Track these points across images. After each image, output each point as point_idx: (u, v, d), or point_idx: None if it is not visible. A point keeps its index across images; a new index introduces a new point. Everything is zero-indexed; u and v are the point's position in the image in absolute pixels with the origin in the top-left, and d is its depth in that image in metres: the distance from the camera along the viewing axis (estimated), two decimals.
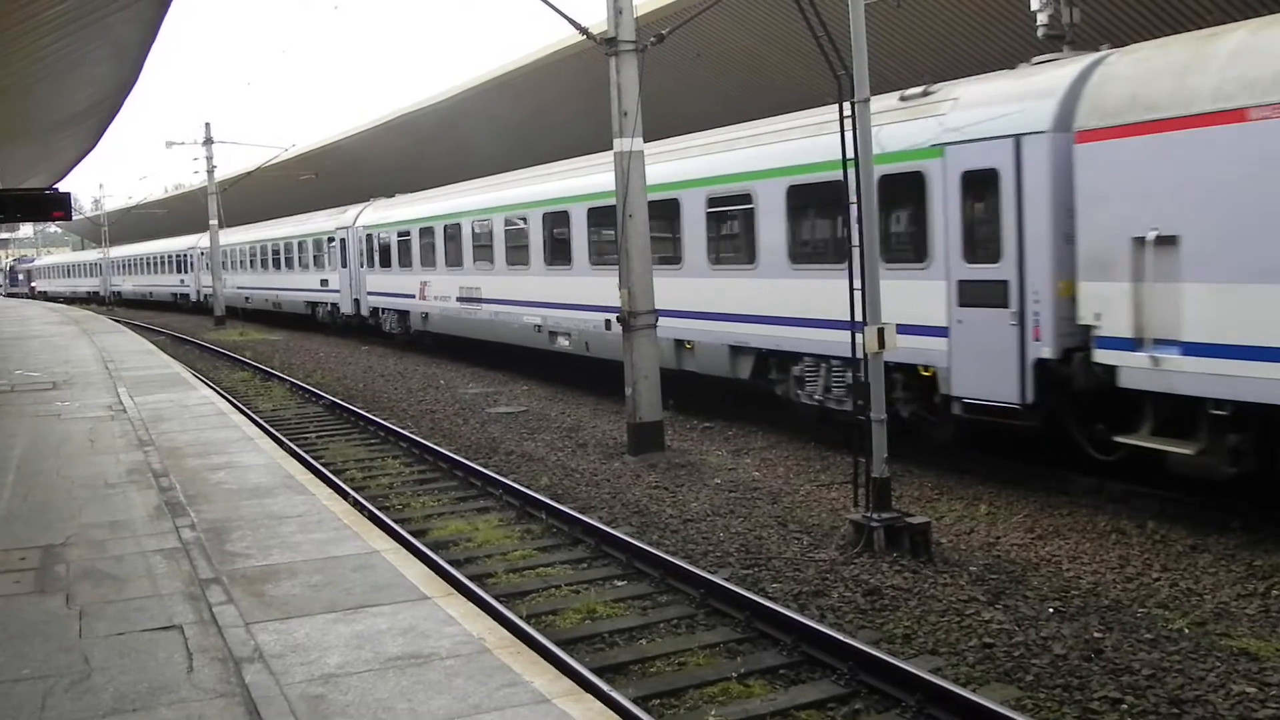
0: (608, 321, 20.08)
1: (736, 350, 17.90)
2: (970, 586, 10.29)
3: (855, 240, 11.83)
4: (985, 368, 13.15)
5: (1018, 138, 12.74)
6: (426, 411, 21.98)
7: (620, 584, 10.90)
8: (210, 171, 56.61)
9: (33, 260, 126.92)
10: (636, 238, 16.72)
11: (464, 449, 17.55)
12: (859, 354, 11.87)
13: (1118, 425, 12.05)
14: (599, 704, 6.29)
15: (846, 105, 11.88)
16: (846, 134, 11.87)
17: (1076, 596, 9.97)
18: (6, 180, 42.07)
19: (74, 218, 43.12)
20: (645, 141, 16.85)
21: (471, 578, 10.66)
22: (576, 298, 22.60)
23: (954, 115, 13.86)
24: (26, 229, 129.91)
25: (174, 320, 56.88)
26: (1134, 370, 11.59)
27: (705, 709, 8.04)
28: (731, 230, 18.38)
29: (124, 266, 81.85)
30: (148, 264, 75.21)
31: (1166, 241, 11.19)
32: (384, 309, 35.45)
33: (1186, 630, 9.09)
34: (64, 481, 12.30)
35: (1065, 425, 12.90)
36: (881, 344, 11.56)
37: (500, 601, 9.85)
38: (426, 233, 31.37)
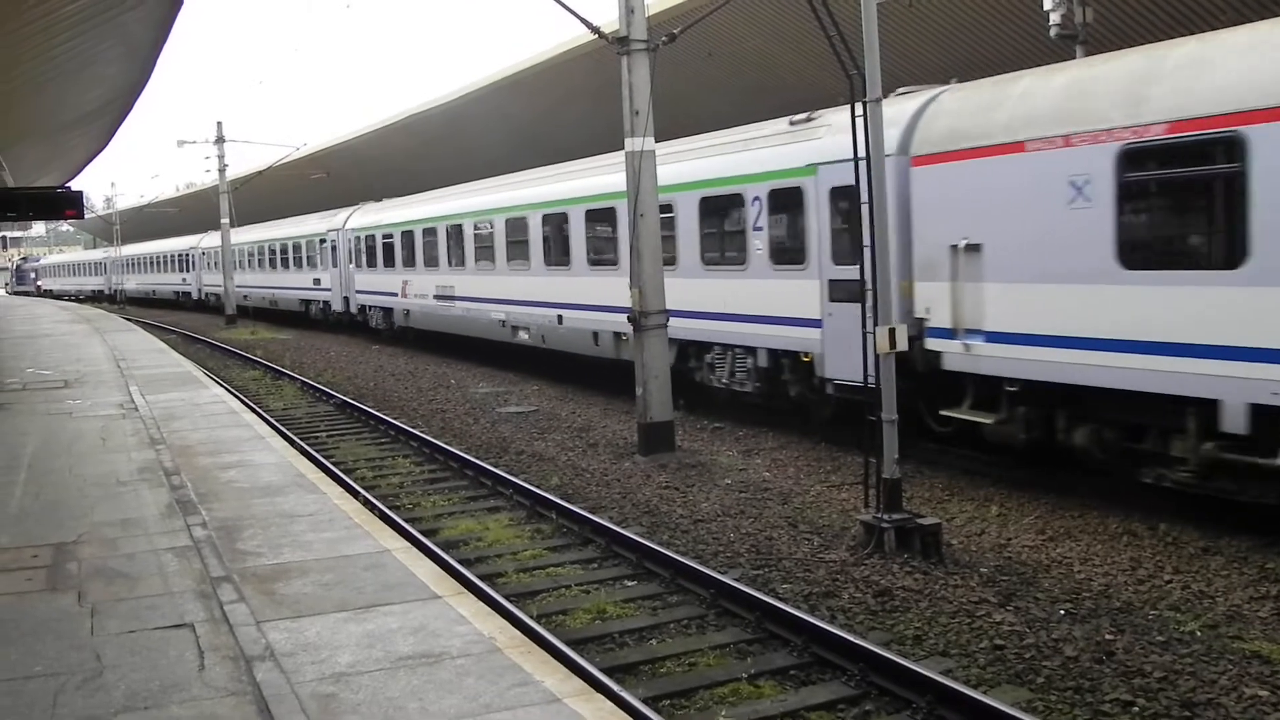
0: (559, 316, 23.41)
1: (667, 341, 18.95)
2: (981, 588, 10.27)
3: (866, 240, 11.80)
4: (849, 354, 14.59)
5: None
6: (437, 411, 22.00)
7: (630, 584, 10.89)
8: (222, 170, 56.71)
9: (39, 259, 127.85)
10: (648, 237, 16.72)
11: (474, 448, 17.56)
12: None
13: (948, 402, 14.20)
14: (609, 704, 6.28)
15: (858, 105, 11.88)
16: (859, 133, 11.85)
17: (1088, 598, 9.94)
18: (19, 179, 42.16)
19: (86, 216, 43.19)
20: (657, 142, 16.84)
21: (482, 577, 10.67)
22: (534, 295, 25.02)
23: (826, 140, 15.94)
24: (39, 227, 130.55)
25: (185, 319, 57.00)
26: (953, 355, 13.93)
27: (715, 709, 8.03)
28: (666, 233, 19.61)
29: (128, 265, 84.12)
30: (151, 263, 77.46)
31: (973, 249, 13.49)
32: (370, 306, 38.04)
33: (1198, 633, 9.05)
34: (76, 479, 12.32)
35: (912, 402, 14.26)
36: (892, 344, 11.54)
37: (511, 601, 9.85)
38: (407, 236, 33.69)
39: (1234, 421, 10.74)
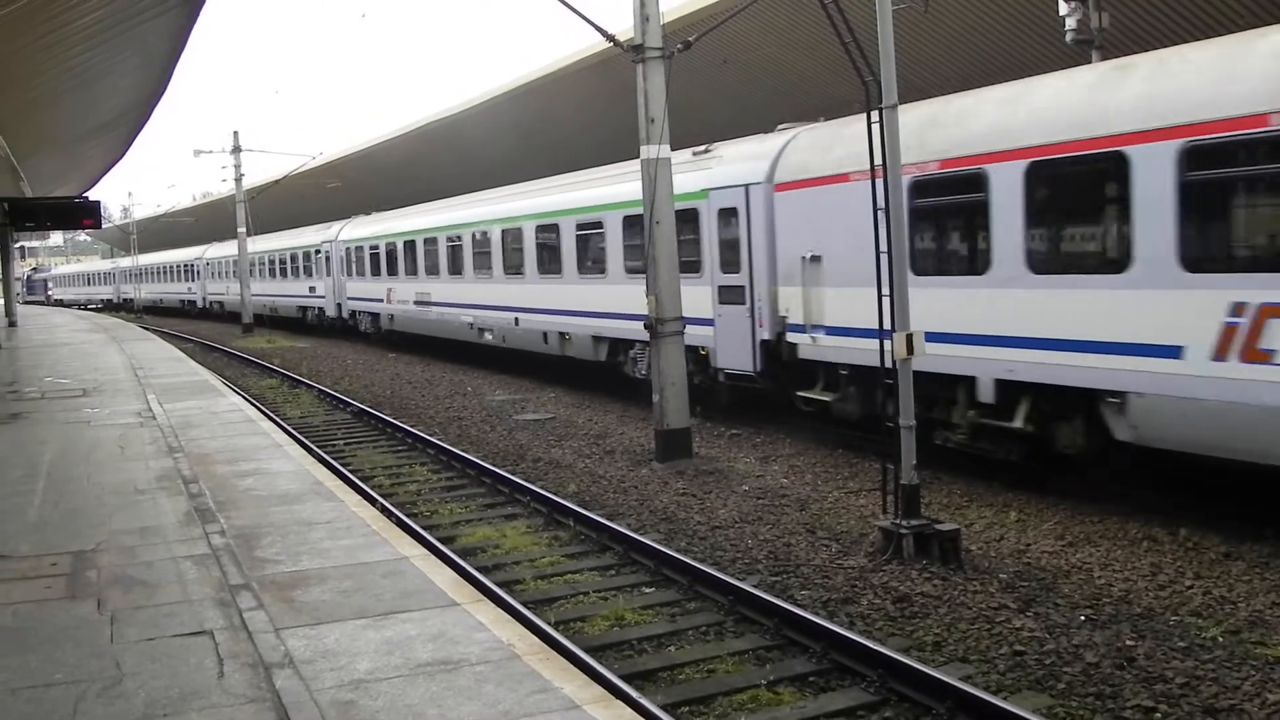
0: (516, 319, 27.05)
1: (597, 339, 23.20)
2: (1001, 594, 10.23)
3: (884, 247, 11.77)
4: (734, 347, 18.67)
5: (747, 187, 18.25)
6: (454, 418, 22.02)
7: (648, 591, 10.88)
8: (238, 180, 56.88)
9: (50, 269, 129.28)
10: (663, 244, 16.71)
11: (491, 456, 17.57)
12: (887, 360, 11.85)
13: (806, 385, 17.29)
14: (629, 710, 6.26)
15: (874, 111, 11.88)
16: (875, 140, 11.83)
17: (1108, 604, 9.91)
18: (37, 189, 42.39)
19: (104, 226, 43.36)
20: (673, 149, 16.83)
21: (500, 584, 10.68)
22: (496, 301, 28.44)
23: (716, 169, 19.32)
24: (56, 237, 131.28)
25: (202, 327, 57.20)
26: (805, 346, 17.11)
27: (734, 716, 8.02)
28: (593, 247, 23.43)
29: (137, 275, 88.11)
30: (158, 272, 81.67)
31: (816, 259, 16.74)
32: (359, 311, 41.54)
33: (1220, 639, 9.01)
34: (94, 488, 12.34)
35: (783, 387, 17.90)
36: (910, 350, 11.51)
37: (529, 608, 9.85)
38: (390, 247, 36.96)
39: (985, 393, 13.79)
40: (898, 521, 11.41)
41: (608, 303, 22.34)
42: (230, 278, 59.39)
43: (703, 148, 20.01)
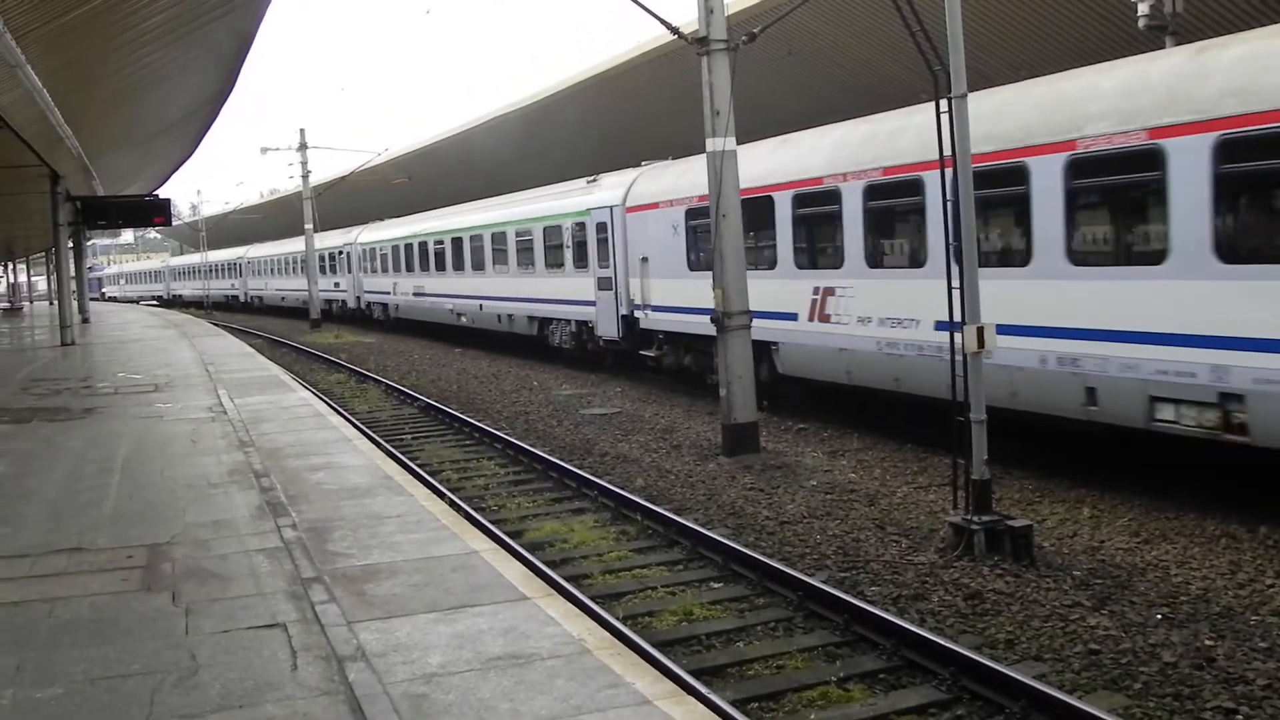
0: (480, 305, 34.98)
1: (530, 318, 31.17)
2: (1074, 591, 10.09)
3: (954, 240, 11.64)
4: (607, 321, 26.21)
5: (611, 208, 25.73)
6: (520, 413, 22.10)
7: (717, 586, 10.84)
8: (305, 177, 57.44)
9: (103, 268, 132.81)
10: (730, 238, 16.62)
11: (558, 450, 17.60)
12: (959, 346, 11.70)
13: (646, 347, 24.54)
14: (701, 706, 6.24)
15: (943, 101, 11.73)
16: (944, 131, 11.69)
17: (1185, 603, 9.73)
18: (108, 187, 43.00)
19: (173, 223, 44.00)
20: (739, 143, 16.76)
21: (568, 578, 10.68)
22: (466, 291, 36.39)
23: (596, 194, 27.03)
24: (127, 235, 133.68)
25: (270, 323, 57.85)
26: (643, 319, 24.47)
27: (804, 713, 7.97)
28: (527, 250, 31.29)
29: (183, 273, 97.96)
30: (204, 270, 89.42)
31: (645, 259, 24.16)
32: (372, 302, 49.74)
33: None
34: (168, 481, 12.49)
35: (637, 349, 25.10)
36: (980, 343, 11.37)
37: (597, 602, 9.85)
38: (395, 249, 44.82)
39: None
40: (969, 517, 11.28)
41: (537, 292, 30.63)
42: (269, 274, 68.64)
43: (593, 177, 28.32)
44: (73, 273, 42.13)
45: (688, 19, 17.55)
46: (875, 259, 16.89)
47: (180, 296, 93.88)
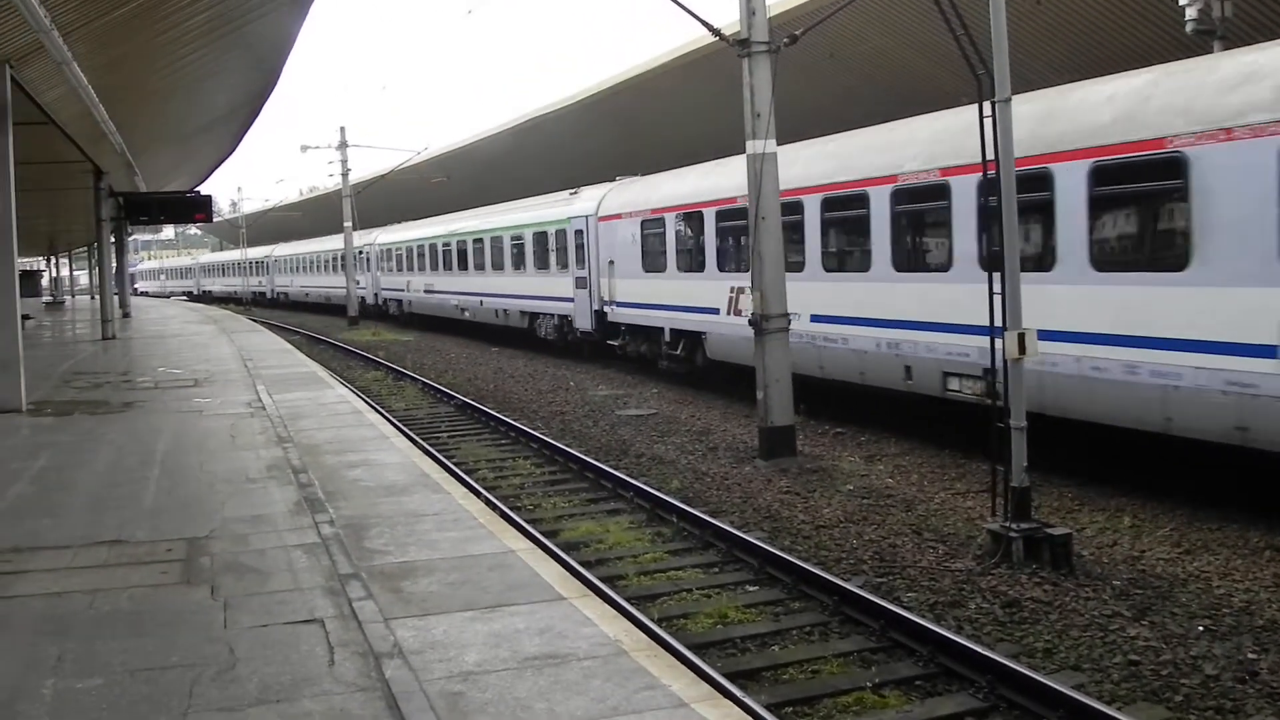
0: (480, 301, 39.00)
1: (522, 313, 34.99)
2: (1114, 601, 9.99)
3: (999, 245, 11.55)
4: (583, 315, 29.92)
5: (587, 217, 29.53)
6: (556, 413, 22.12)
7: (752, 589, 10.81)
8: (344, 174, 57.73)
9: (135, 264, 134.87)
10: (769, 240, 16.57)
11: (594, 451, 17.61)
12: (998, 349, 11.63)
13: (613, 339, 28.39)
14: (737, 710, 6.22)
15: (986, 105, 11.65)
16: (987, 134, 11.61)
17: (1228, 615, 9.61)
18: (150, 183, 43.34)
19: (213, 219, 44.39)
20: (779, 144, 16.71)
21: (604, 579, 10.67)
22: (469, 289, 40.51)
23: (575, 205, 30.93)
24: (168, 230, 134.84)
25: (308, 320, 58.20)
26: (610, 314, 28.12)
27: (839, 718, 7.93)
28: (518, 252, 35.46)
29: (211, 270, 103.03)
30: (231, 268, 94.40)
31: (612, 262, 27.69)
32: (388, 299, 54.11)
33: None
34: (206, 476, 12.57)
35: (606, 339, 28.79)
36: (1022, 349, 11.29)
37: (632, 604, 9.83)
38: (409, 249, 49.06)
39: (670, 339, 24.80)
40: (1007, 524, 11.19)
41: (527, 290, 34.68)
42: (294, 272, 73.88)
43: (574, 190, 32.14)
44: (114, 268, 42.48)
45: (730, 20, 17.48)
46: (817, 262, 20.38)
47: (209, 292, 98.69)
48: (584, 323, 29.97)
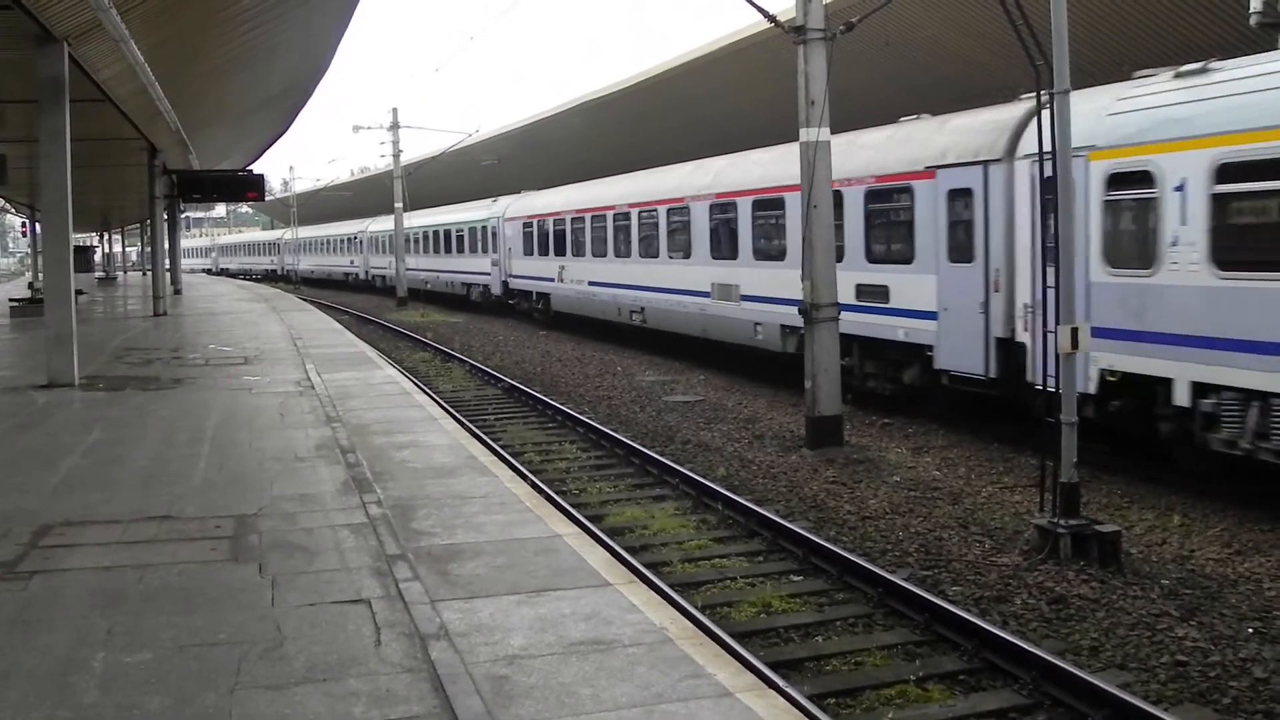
0: (439, 275, 52.42)
1: (463, 284, 48.12)
2: (1162, 600, 9.89)
3: (1057, 239, 11.43)
4: (495, 284, 43.72)
5: (499, 218, 43.16)
6: (603, 397, 22.14)
7: (796, 579, 10.79)
8: (396, 156, 57.97)
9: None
10: (820, 229, 16.47)
11: (640, 436, 17.61)
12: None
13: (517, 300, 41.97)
14: (782, 701, 6.20)
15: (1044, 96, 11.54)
16: (1045, 126, 11.50)
17: (1279, 617, 9.49)
18: (204, 162, 43.74)
19: (265, 198, 44.82)
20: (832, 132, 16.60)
21: (648, 565, 10.68)
22: (431, 266, 53.87)
23: (494, 207, 44.23)
24: (220, 208, 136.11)
25: (358, 300, 58.60)
26: (511, 283, 42.06)
27: (882, 711, 7.92)
28: (464, 241, 48.55)
29: (233, 250, 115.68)
30: (249, 248, 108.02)
31: (510, 249, 41.93)
32: (375, 275, 65.97)
33: None
34: (255, 454, 12.67)
35: (508, 300, 42.54)
36: (1075, 345, 11.18)
37: (676, 591, 9.83)
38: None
39: (535, 299, 39.75)
40: (1055, 520, 11.10)
41: (465, 267, 48.41)
42: (304, 253, 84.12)
43: (494, 199, 45.70)
44: (166, 245, 42.92)
45: (785, 6, 17.38)
46: (580, 250, 34.33)
47: (227, 270, 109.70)
48: (496, 289, 43.76)
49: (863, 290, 18.79)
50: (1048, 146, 11.50)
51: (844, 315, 17.07)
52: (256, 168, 63.08)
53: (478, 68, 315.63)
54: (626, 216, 29.84)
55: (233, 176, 41.39)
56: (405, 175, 57.06)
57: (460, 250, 48.51)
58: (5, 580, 8.05)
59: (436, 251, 52.94)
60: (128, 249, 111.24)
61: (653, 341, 29.63)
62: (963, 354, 16.59)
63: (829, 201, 16.64)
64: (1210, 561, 11.05)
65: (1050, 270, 11.82)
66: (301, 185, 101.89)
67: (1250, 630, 9.19)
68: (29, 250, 74.56)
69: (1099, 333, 13.04)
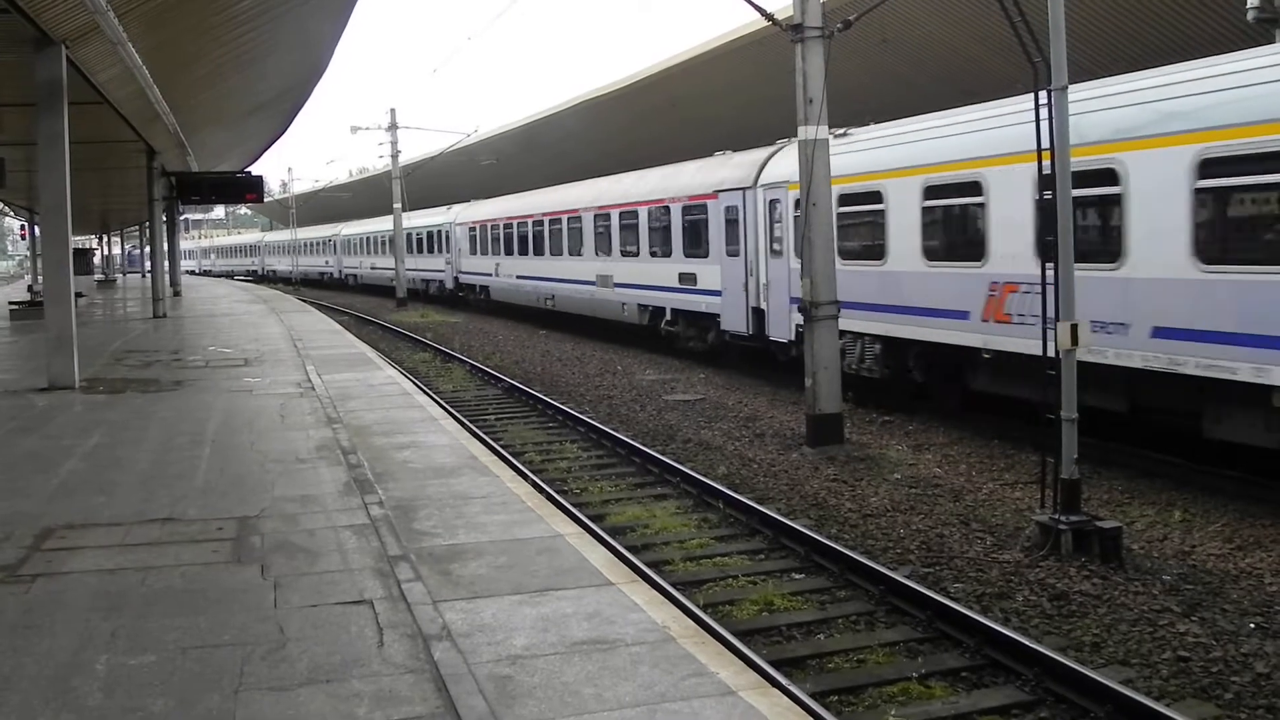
0: (432, 278, 55.00)
1: (423, 280, 55.43)
2: (1164, 596, 9.90)
3: (1053, 236, 11.44)
4: (449, 280, 50.93)
5: (451, 223, 50.20)
6: (604, 397, 22.14)
7: (798, 577, 10.80)
8: (394, 156, 57.97)
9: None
10: (819, 227, 16.48)
11: (641, 435, 17.62)
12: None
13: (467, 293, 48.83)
14: (785, 699, 6.20)
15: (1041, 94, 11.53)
16: (1043, 124, 11.50)
17: None
18: (202, 163, 43.72)
19: (264, 200, 44.88)
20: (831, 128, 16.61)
21: (649, 564, 10.68)
22: (422, 266, 55.94)
23: (448, 214, 51.36)
24: (218, 210, 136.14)
25: (358, 301, 58.62)
26: (463, 278, 48.84)
27: (885, 708, 7.91)
28: (426, 241, 55.54)
29: (221, 251, 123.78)
30: (233, 251, 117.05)
31: (459, 249, 49.15)
32: (348, 274, 73.60)
33: None
34: (257, 455, 12.67)
35: (458, 293, 49.65)
36: (1074, 341, 11.18)
37: (678, 589, 9.83)
38: (360, 239, 68.31)
39: (479, 290, 47.23)
40: (1056, 516, 11.11)
41: (423, 266, 54.84)
42: (280, 254, 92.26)
43: (449, 206, 52.15)
44: (165, 247, 42.92)
45: (782, 4, 17.39)
46: (511, 250, 40.73)
47: (210, 270, 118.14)
48: (449, 284, 50.36)
49: (683, 276, 26.25)
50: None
51: (670, 295, 26.92)
52: (255, 169, 63.29)
53: (476, 68, 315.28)
54: (541, 224, 37.06)
55: (231, 178, 41.38)
56: (404, 176, 57.04)
57: (421, 250, 55.33)
58: (8, 584, 8.05)
59: (409, 252, 58.00)
60: (129, 250, 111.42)
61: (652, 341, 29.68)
62: (735, 319, 23.73)
63: (828, 199, 16.65)
64: (1211, 557, 11.06)
65: (775, 261, 21.78)
66: (300, 186, 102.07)
67: (1252, 625, 9.19)
68: (28, 253, 74.62)
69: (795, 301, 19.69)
